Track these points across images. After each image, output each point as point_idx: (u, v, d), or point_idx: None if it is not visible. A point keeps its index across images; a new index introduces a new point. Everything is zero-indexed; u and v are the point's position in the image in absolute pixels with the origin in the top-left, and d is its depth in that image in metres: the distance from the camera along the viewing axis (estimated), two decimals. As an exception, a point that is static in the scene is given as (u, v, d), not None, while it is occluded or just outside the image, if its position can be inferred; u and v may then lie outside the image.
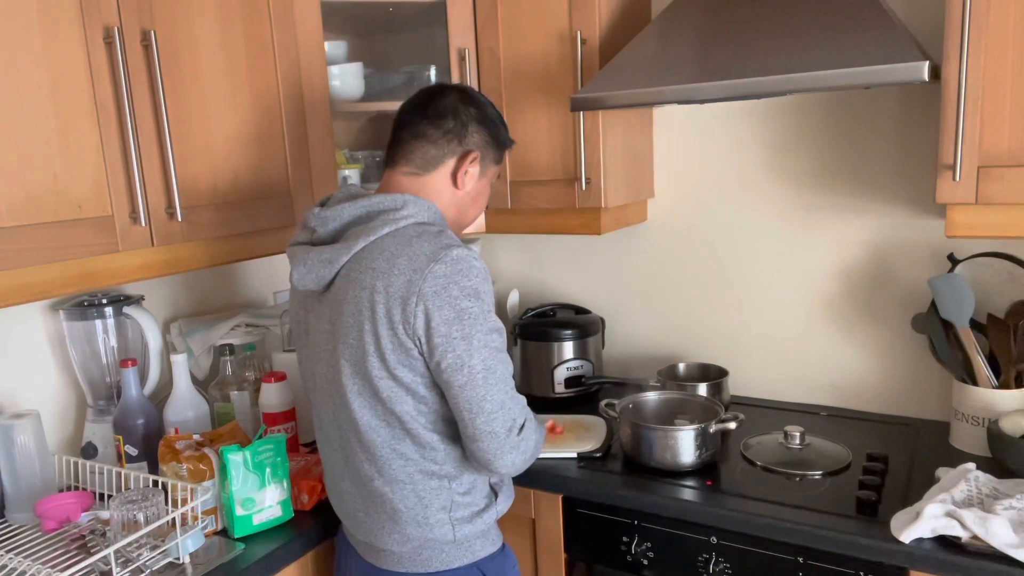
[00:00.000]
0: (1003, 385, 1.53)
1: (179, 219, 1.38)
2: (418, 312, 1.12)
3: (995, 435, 1.43)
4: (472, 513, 1.25)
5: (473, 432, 1.15)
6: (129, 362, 1.52)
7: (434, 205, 1.25)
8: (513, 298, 2.20)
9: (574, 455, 1.61)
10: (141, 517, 1.26)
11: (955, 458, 1.52)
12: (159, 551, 1.25)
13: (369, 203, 1.21)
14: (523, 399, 1.22)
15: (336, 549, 1.39)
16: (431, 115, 1.26)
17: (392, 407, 1.18)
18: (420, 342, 1.14)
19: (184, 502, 1.29)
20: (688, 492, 1.46)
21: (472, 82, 1.80)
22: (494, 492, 1.30)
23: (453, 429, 1.21)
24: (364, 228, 1.19)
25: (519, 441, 1.18)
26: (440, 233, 1.18)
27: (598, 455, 1.61)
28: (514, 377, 1.24)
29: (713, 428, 1.52)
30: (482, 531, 1.27)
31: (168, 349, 1.77)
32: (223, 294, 1.96)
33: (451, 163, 1.27)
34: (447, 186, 1.28)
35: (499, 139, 1.32)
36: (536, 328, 1.95)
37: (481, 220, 1.88)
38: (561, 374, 1.94)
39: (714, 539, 1.42)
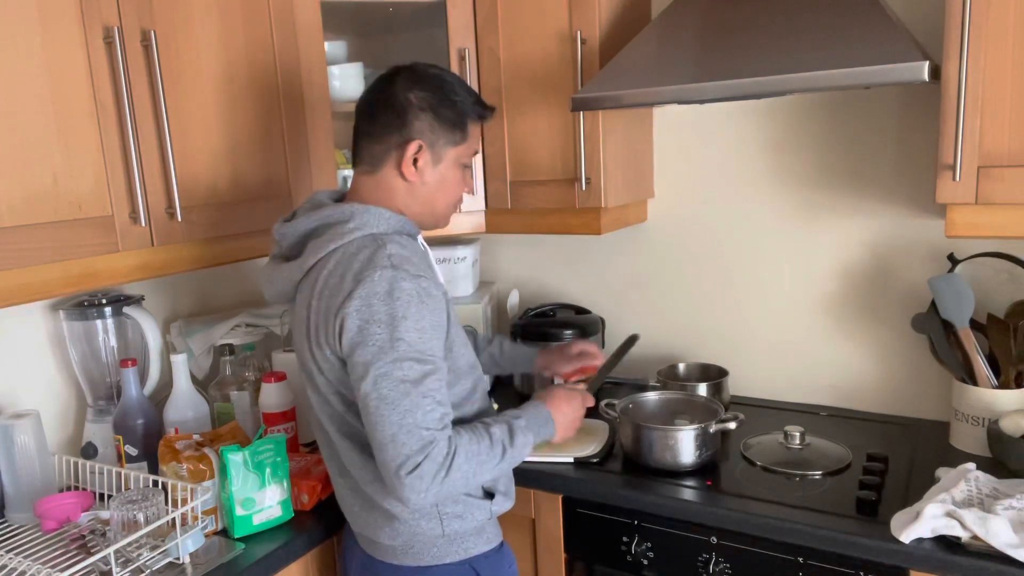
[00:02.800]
0: (1003, 385, 1.53)
1: (179, 219, 1.39)
2: (336, 331, 1.13)
3: (995, 435, 1.43)
4: (462, 510, 1.25)
5: (377, 457, 1.12)
6: (129, 362, 1.52)
7: (385, 211, 1.21)
8: (513, 298, 2.20)
9: (571, 460, 1.60)
10: (141, 517, 1.26)
11: (955, 458, 1.52)
12: (159, 551, 1.25)
13: (320, 217, 1.21)
14: (430, 436, 1.09)
15: (343, 539, 1.41)
16: (372, 109, 1.24)
17: (344, 416, 1.20)
18: (342, 359, 1.15)
19: (184, 502, 1.29)
20: (688, 492, 1.46)
21: (472, 82, 1.80)
22: (488, 494, 1.29)
23: None
24: (316, 243, 1.20)
25: (413, 480, 1.08)
26: (378, 250, 1.15)
27: (595, 460, 1.60)
28: (491, 393, 1.23)
29: (713, 428, 1.52)
30: (475, 529, 1.27)
31: (168, 349, 1.77)
32: (223, 294, 1.96)
33: (395, 156, 1.23)
34: (400, 181, 1.24)
35: (451, 119, 1.23)
36: (536, 328, 1.95)
37: (481, 220, 1.88)
38: (561, 374, 1.94)
39: (714, 539, 1.42)
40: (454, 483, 1.11)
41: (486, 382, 1.41)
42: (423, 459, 1.08)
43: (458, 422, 1.19)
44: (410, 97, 1.21)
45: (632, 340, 1.63)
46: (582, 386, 1.42)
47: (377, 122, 1.23)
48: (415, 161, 1.23)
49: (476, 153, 1.32)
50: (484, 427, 1.19)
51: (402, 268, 1.13)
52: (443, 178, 1.27)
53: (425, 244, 1.31)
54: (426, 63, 1.26)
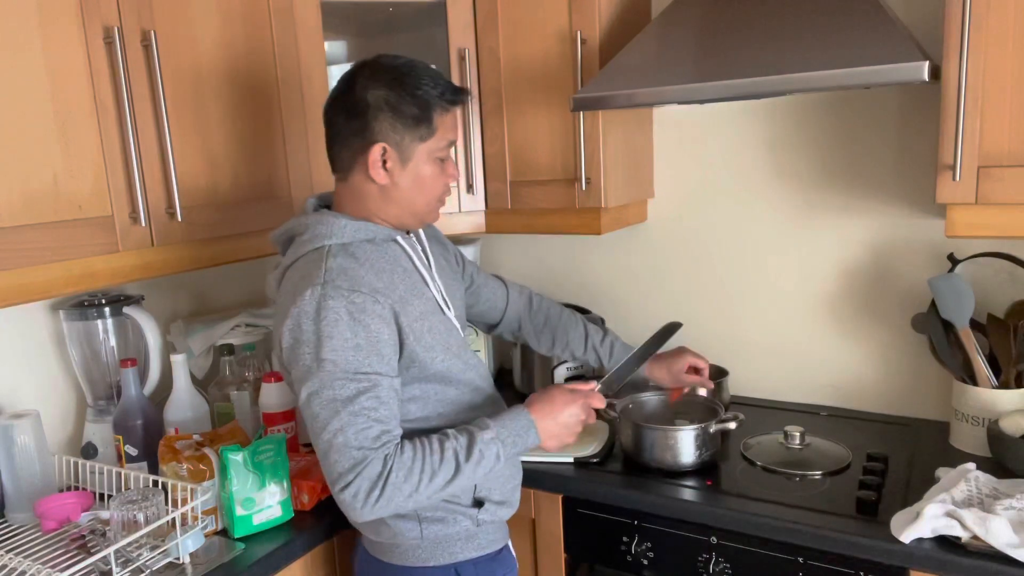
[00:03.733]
0: (1003, 385, 1.53)
1: (179, 219, 1.39)
2: (279, 347, 1.17)
3: (995, 435, 1.43)
4: (443, 515, 1.24)
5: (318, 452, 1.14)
6: (129, 362, 1.52)
7: (344, 219, 1.19)
8: (513, 298, 2.20)
9: (571, 460, 1.60)
10: (141, 517, 1.26)
11: (955, 458, 1.52)
12: (159, 551, 1.25)
13: (286, 228, 1.25)
14: (361, 455, 1.08)
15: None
16: (332, 114, 1.22)
17: None
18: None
19: (184, 502, 1.29)
20: (688, 492, 1.46)
21: (472, 82, 1.80)
22: (477, 502, 1.27)
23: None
24: (287, 254, 1.24)
25: (347, 497, 1.08)
26: (319, 263, 1.15)
27: (595, 460, 1.60)
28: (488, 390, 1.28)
29: (713, 428, 1.52)
30: (461, 534, 1.26)
31: (168, 349, 1.77)
32: (223, 294, 1.96)
33: (360, 162, 1.20)
34: (372, 186, 1.21)
35: (414, 114, 1.17)
36: (536, 328, 1.95)
37: (481, 220, 1.88)
38: (561, 374, 1.94)
39: (714, 539, 1.42)
40: (393, 501, 1.09)
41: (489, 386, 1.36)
42: (354, 478, 1.08)
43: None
44: (367, 97, 1.16)
45: (672, 328, 1.53)
46: (593, 384, 1.32)
47: (339, 128, 1.19)
48: (384, 163, 1.18)
49: (451, 144, 1.24)
50: (438, 441, 1.14)
51: (333, 284, 1.11)
52: (417, 176, 1.21)
53: (417, 244, 1.29)
54: (390, 55, 1.20)
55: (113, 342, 1.60)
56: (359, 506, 1.09)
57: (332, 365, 1.09)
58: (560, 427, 1.24)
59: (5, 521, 1.41)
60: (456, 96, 1.21)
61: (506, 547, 1.34)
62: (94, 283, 1.30)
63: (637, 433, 1.55)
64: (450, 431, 1.17)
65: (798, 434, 1.60)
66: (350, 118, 1.18)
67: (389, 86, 1.16)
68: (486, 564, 1.29)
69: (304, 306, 1.11)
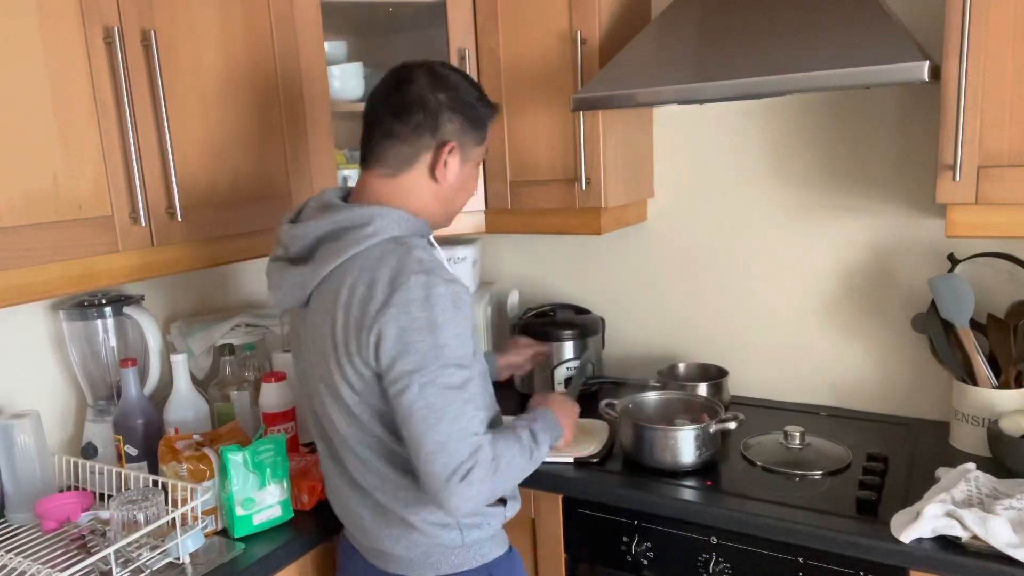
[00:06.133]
0: (1003, 385, 1.53)
1: (179, 219, 1.39)
2: (371, 343, 1.09)
3: (995, 435, 1.43)
4: (480, 519, 1.24)
5: (416, 467, 1.10)
6: (129, 362, 1.52)
7: (404, 213, 1.18)
8: (513, 298, 2.20)
9: (571, 460, 1.60)
10: (141, 517, 1.26)
11: (955, 458, 1.52)
12: (159, 551, 1.25)
13: (335, 220, 1.16)
14: (478, 441, 1.09)
15: (339, 551, 1.39)
16: (398, 110, 1.18)
17: (372, 429, 1.17)
18: (378, 373, 1.12)
19: (184, 502, 1.29)
20: (688, 492, 1.46)
21: (472, 82, 1.80)
22: (502, 499, 1.28)
23: None
24: (332, 248, 1.15)
25: (463, 487, 1.07)
26: (407, 253, 1.12)
27: (595, 460, 1.60)
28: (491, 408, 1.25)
29: (713, 428, 1.52)
30: (491, 535, 1.27)
31: (168, 349, 1.77)
32: (223, 294, 1.96)
33: (427, 158, 1.20)
34: (426, 183, 1.21)
35: (478, 119, 1.23)
36: (536, 328, 1.95)
37: (481, 220, 1.88)
38: (561, 374, 1.94)
39: (714, 539, 1.42)
40: (496, 487, 1.11)
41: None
42: (473, 465, 1.07)
43: None
44: (440, 98, 1.19)
45: (585, 365, 1.84)
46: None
47: (407, 124, 1.18)
48: (446, 162, 1.21)
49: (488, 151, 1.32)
50: (511, 431, 1.19)
51: (434, 273, 1.10)
52: (465, 177, 1.26)
53: (436, 245, 1.30)
54: (439, 62, 1.24)
55: (113, 342, 1.60)
56: (473, 494, 1.08)
57: (449, 351, 1.09)
58: (573, 423, 1.38)
59: (5, 521, 1.41)
60: (496, 108, 1.30)
61: (511, 544, 1.35)
62: (94, 283, 1.30)
63: (637, 433, 1.55)
64: (509, 424, 1.23)
65: (798, 434, 1.60)
66: (421, 115, 1.18)
67: (456, 90, 1.20)
68: (507, 562, 1.30)
69: (411, 293, 1.08)
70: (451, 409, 1.08)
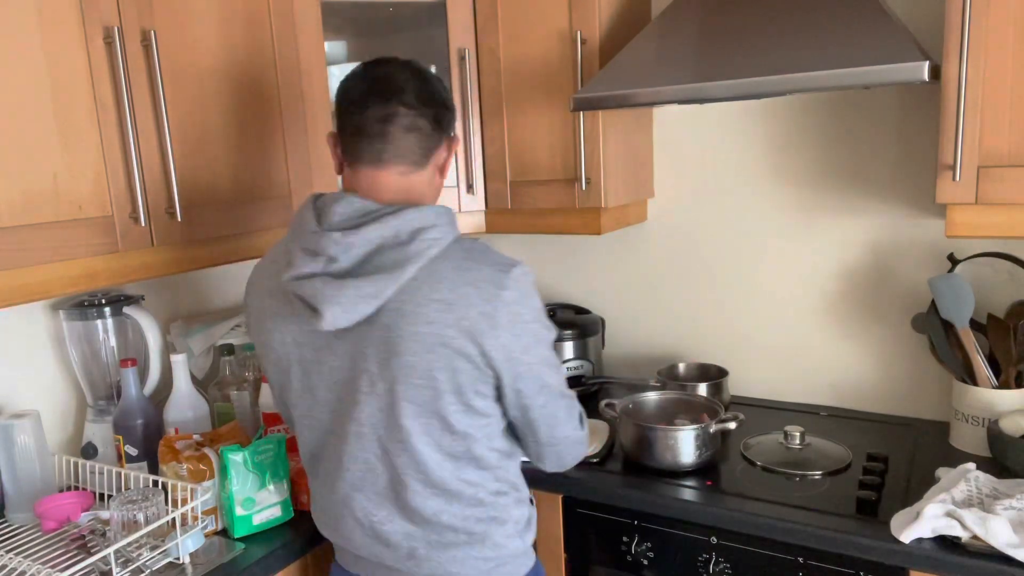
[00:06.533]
0: (1003, 385, 1.53)
1: (179, 219, 1.38)
2: (497, 344, 1.07)
3: (995, 435, 1.43)
4: (528, 519, 1.24)
5: (550, 439, 1.20)
6: (129, 362, 1.52)
7: (444, 209, 1.14)
8: (513, 298, 2.20)
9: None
10: (141, 517, 1.26)
11: (955, 458, 1.52)
12: (159, 551, 1.25)
13: (399, 222, 1.07)
14: (573, 393, 1.24)
15: None
16: (432, 103, 1.14)
17: (464, 438, 1.12)
18: (499, 372, 1.10)
19: (184, 502, 1.29)
20: (688, 492, 1.46)
21: (472, 82, 1.80)
22: (530, 499, 1.29)
23: (509, 445, 1.20)
24: (402, 253, 1.06)
25: (584, 433, 1.25)
26: (486, 249, 1.12)
27: (595, 460, 1.60)
28: None
29: (713, 428, 1.52)
30: (533, 536, 1.27)
31: (168, 349, 1.77)
32: (223, 294, 1.96)
33: (441, 154, 1.18)
34: (433, 179, 1.19)
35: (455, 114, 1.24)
36: (536, 328, 1.95)
37: (481, 220, 1.88)
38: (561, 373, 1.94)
39: (714, 539, 1.42)
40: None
41: None
42: (581, 414, 1.26)
43: None
44: (446, 89, 1.19)
45: None
46: None
47: (438, 118, 1.16)
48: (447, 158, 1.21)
49: None
50: None
51: (521, 265, 1.13)
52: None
53: None
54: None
55: (113, 342, 1.60)
56: (584, 438, 1.26)
57: (550, 333, 1.17)
58: None
59: (5, 521, 1.41)
60: None
61: None
62: (94, 283, 1.30)
63: (637, 433, 1.55)
64: None
65: (798, 434, 1.60)
66: (442, 110, 1.16)
67: (443, 82, 1.21)
68: (536, 559, 1.30)
69: (519, 285, 1.10)
70: (563, 376, 1.21)
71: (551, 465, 1.24)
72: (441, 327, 1.06)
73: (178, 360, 1.58)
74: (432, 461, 1.12)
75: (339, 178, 1.22)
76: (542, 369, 1.14)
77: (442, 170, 1.21)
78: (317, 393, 1.16)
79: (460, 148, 1.82)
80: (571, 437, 1.22)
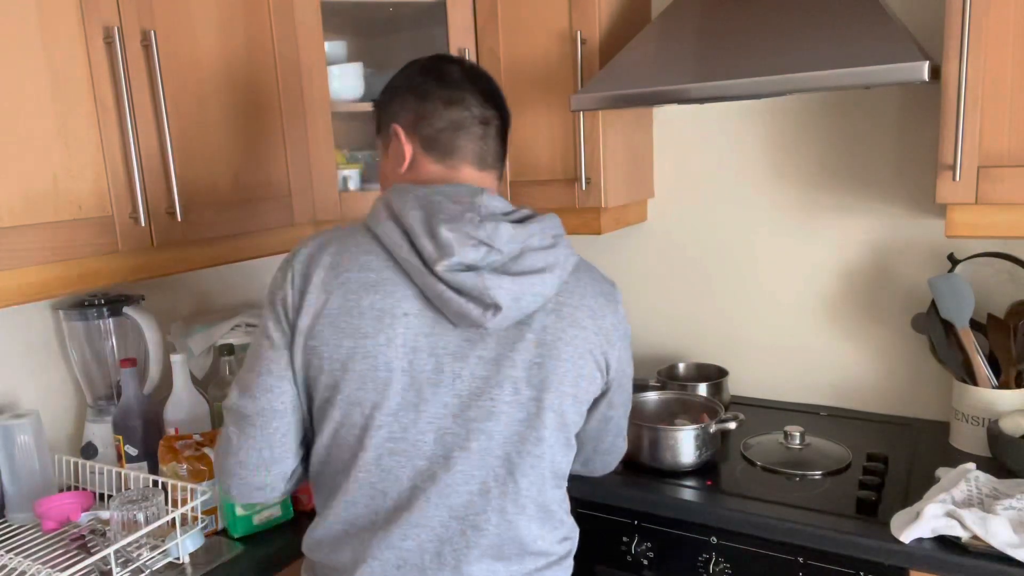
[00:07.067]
0: (1003, 385, 1.53)
1: (179, 219, 1.38)
2: (615, 355, 1.11)
3: (995, 435, 1.43)
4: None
5: (612, 447, 1.26)
6: (129, 362, 1.52)
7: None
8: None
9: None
10: (141, 517, 1.26)
11: (955, 458, 1.52)
12: (159, 551, 1.25)
13: (545, 225, 1.04)
14: None
15: None
16: (506, 109, 1.13)
17: (571, 454, 1.10)
18: (610, 382, 1.14)
19: (184, 502, 1.29)
20: (688, 492, 1.46)
21: (472, 82, 1.80)
22: None
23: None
24: (551, 256, 1.02)
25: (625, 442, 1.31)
26: (591, 264, 1.15)
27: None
28: None
29: (713, 428, 1.52)
30: None
31: (168, 349, 1.77)
32: (223, 294, 1.96)
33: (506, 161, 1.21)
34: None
35: None
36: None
37: (481, 220, 1.88)
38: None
39: (714, 539, 1.42)
40: None
41: None
42: None
43: None
44: None
45: None
46: None
47: (506, 121, 1.14)
48: None
49: None
50: None
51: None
52: None
53: None
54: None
55: (113, 342, 1.60)
56: None
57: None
58: None
59: (5, 521, 1.41)
60: None
61: None
62: (94, 283, 1.30)
63: (637, 433, 1.55)
64: None
65: (798, 434, 1.60)
66: (510, 120, 1.16)
67: None
68: None
69: (618, 302, 1.13)
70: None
71: (601, 470, 1.31)
72: (590, 333, 1.06)
73: (178, 360, 1.58)
74: (557, 476, 1.07)
75: (401, 170, 1.10)
76: (628, 382, 1.20)
77: (504, 171, 1.18)
78: (427, 409, 1.00)
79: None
80: (623, 446, 1.30)
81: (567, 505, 1.14)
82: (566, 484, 1.13)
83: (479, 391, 1.00)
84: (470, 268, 0.97)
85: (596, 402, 1.16)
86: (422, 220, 0.99)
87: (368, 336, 0.99)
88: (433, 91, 1.07)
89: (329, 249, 1.04)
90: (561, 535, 1.11)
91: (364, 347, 0.99)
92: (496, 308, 0.96)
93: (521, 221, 1.03)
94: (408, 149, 1.08)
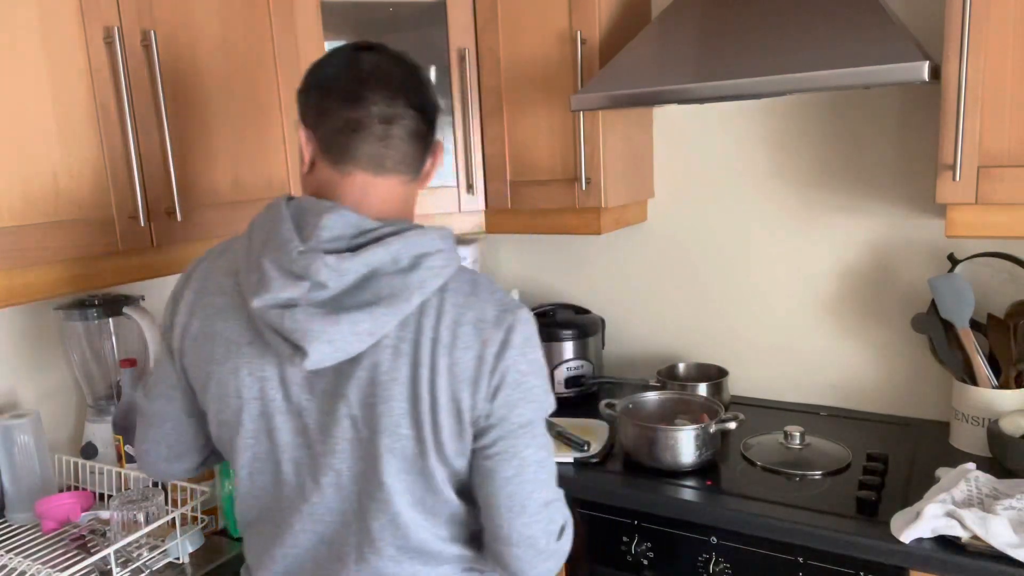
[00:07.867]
0: (1003, 385, 1.53)
1: (179, 219, 1.38)
2: (487, 393, 0.93)
3: (995, 435, 1.43)
4: None
5: (508, 535, 0.96)
6: (129, 362, 1.52)
7: (447, 232, 0.98)
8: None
9: (571, 460, 1.60)
10: (141, 517, 1.26)
11: (955, 458, 1.52)
12: (159, 551, 1.25)
13: (402, 246, 0.91)
14: (562, 493, 1.02)
15: None
16: (424, 104, 0.98)
17: (444, 497, 0.98)
18: (480, 425, 0.95)
19: (184, 502, 1.29)
20: (688, 492, 1.46)
21: (472, 82, 1.80)
22: None
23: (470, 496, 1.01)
24: (401, 281, 0.90)
25: (558, 548, 0.99)
26: (490, 282, 0.98)
27: (595, 460, 1.60)
28: None
29: (713, 428, 1.52)
30: None
31: (168, 349, 1.76)
32: (223, 294, 1.96)
33: (428, 159, 1.02)
34: (417, 189, 1.03)
35: None
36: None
37: (481, 220, 1.88)
38: (561, 374, 1.95)
39: (714, 539, 1.42)
40: (566, 552, 1.03)
41: None
42: (565, 523, 1.01)
43: None
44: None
45: None
46: None
47: (434, 123, 1.01)
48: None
49: None
50: None
51: (523, 305, 0.98)
52: None
53: None
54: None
55: (113, 342, 1.60)
56: (561, 555, 1.00)
57: (550, 399, 0.99)
58: None
59: (5, 521, 1.41)
60: None
61: None
62: (94, 283, 1.30)
63: (637, 433, 1.55)
64: None
65: (798, 434, 1.60)
66: (437, 113, 1.01)
67: None
68: None
69: (526, 331, 0.95)
70: (551, 463, 0.99)
71: (507, 570, 0.99)
72: (433, 372, 0.91)
73: (178, 360, 1.57)
74: (412, 522, 0.97)
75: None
76: (520, 433, 0.95)
77: (426, 179, 1.04)
78: (280, 438, 0.97)
79: (460, 148, 1.82)
80: (535, 540, 0.96)
81: (464, 534, 1.01)
82: (458, 519, 1.00)
83: (324, 425, 0.95)
84: (288, 305, 0.89)
85: (475, 453, 0.96)
86: (247, 249, 0.94)
87: (218, 363, 0.98)
88: (335, 86, 0.95)
89: (201, 267, 1.04)
90: (459, 568, 1.01)
91: (217, 373, 0.98)
92: (303, 353, 0.88)
93: (370, 244, 0.90)
94: (308, 150, 0.99)
